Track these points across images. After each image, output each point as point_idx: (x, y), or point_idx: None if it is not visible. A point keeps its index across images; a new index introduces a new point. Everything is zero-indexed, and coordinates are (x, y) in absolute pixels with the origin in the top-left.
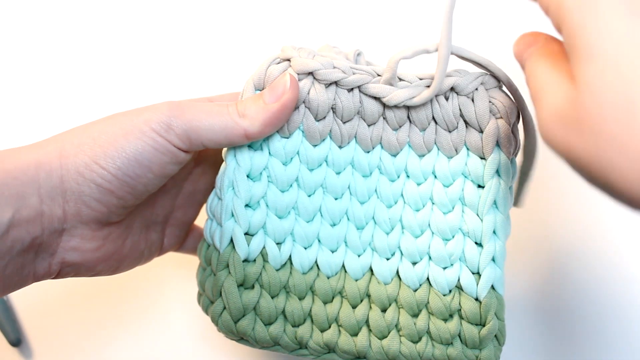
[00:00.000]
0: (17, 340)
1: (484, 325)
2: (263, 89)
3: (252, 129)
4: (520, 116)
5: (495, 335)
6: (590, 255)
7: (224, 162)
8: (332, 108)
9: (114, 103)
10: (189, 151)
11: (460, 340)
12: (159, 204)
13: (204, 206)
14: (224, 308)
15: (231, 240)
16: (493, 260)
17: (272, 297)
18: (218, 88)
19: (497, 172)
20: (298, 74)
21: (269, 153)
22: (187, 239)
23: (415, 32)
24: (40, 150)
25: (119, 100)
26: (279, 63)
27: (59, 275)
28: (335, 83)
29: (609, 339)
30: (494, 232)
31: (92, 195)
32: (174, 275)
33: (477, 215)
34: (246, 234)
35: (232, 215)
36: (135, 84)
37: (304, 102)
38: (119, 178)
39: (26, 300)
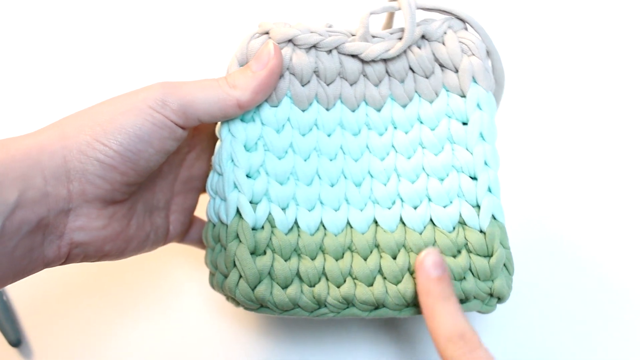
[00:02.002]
0: (17, 341)
1: (492, 256)
2: (247, 63)
3: (244, 98)
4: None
5: (505, 264)
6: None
7: (219, 140)
8: (315, 72)
9: (109, 95)
10: (185, 127)
11: (472, 274)
12: (158, 189)
13: (202, 197)
14: (240, 277)
15: (237, 210)
16: (489, 190)
17: (285, 260)
18: (203, 73)
19: (478, 105)
20: (278, 42)
21: (262, 123)
22: (190, 229)
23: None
24: (42, 135)
25: (114, 92)
26: (258, 37)
27: (68, 258)
28: (314, 46)
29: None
30: (486, 162)
31: (96, 173)
32: (175, 274)
33: (467, 149)
34: (251, 202)
35: (235, 186)
36: (132, 79)
37: (287, 69)
38: (121, 154)
39: (26, 301)
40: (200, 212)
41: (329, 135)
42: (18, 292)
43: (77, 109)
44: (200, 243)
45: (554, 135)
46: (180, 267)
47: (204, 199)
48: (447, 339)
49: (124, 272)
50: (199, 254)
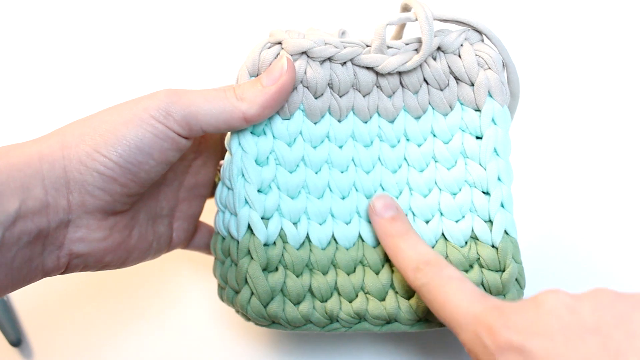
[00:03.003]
0: (17, 341)
1: (504, 271)
2: (258, 74)
3: (250, 112)
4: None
5: (516, 279)
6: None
7: (227, 153)
8: (329, 84)
9: (107, 99)
10: (188, 137)
11: (484, 288)
12: (163, 196)
13: (208, 202)
14: (252, 294)
15: (248, 226)
16: (502, 205)
17: (297, 276)
18: (209, 80)
19: (493, 120)
20: (292, 54)
21: (273, 136)
22: (195, 235)
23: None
24: (43, 143)
25: (112, 96)
26: (270, 47)
27: (68, 268)
28: (329, 59)
29: None
30: (499, 178)
31: (96, 184)
32: (175, 274)
33: (480, 164)
34: (262, 218)
35: (247, 202)
36: (134, 82)
37: (301, 82)
38: (121, 165)
39: (26, 300)
40: (206, 217)
41: (340, 147)
42: (18, 292)
43: (80, 114)
44: (205, 249)
45: (567, 146)
46: (183, 268)
47: (209, 204)
48: (414, 269)
49: (125, 272)
50: (203, 257)
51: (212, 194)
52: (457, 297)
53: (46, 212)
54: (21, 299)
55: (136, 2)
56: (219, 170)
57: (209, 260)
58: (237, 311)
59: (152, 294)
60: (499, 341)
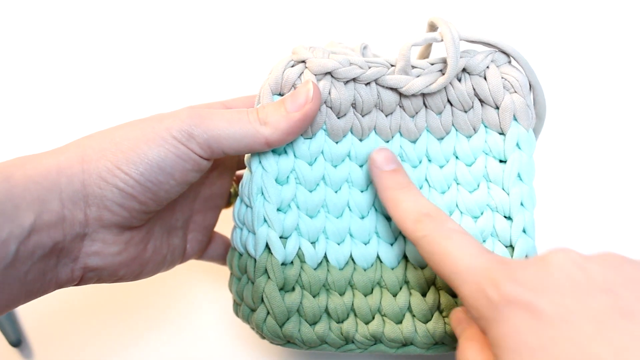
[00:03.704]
0: (17, 341)
1: None
2: (280, 93)
3: (273, 138)
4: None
5: None
6: None
7: (247, 169)
8: (352, 104)
9: (125, 107)
10: (209, 159)
11: None
12: (178, 208)
13: (223, 212)
14: (268, 314)
15: (266, 245)
16: (524, 231)
17: (314, 297)
18: (227, 90)
19: (518, 145)
20: (315, 74)
21: (294, 155)
22: (209, 245)
23: (414, 23)
24: (61, 155)
25: (130, 105)
26: (293, 66)
27: (81, 281)
28: (354, 79)
29: None
30: (522, 204)
31: (115, 200)
32: (175, 275)
33: (503, 189)
34: (280, 237)
35: (265, 221)
36: (145, 90)
37: (325, 102)
38: (141, 184)
39: None
40: (220, 228)
41: (361, 166)
42: None
43: (94, 122)
44: (219, 259)
45: (589, 166)
46: (185, 273)
47: (223, 214)
48: (414, 221)
49: None
50: (210, 267)
51: (227, 204)
52: (459, 250)
53: (62, 225)
54: None
55: (150, 13)
56: (235, 181)
57: (216, 270)
58: (253, 328)
59: (153, 294)
60: (504, 294)
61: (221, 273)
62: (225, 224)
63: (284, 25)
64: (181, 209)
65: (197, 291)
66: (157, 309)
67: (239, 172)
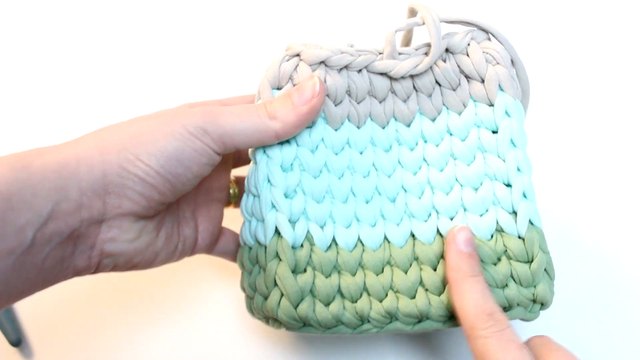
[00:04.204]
0: (17, 341)
1: (532, 261)
2: (279, 87)
3: (282, 131)
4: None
5: (545, 269)
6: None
7: (252, 162)
8: (347, 91)
9: (123, 105)
10: (222, 154)
11: (514, 280)
12: (183, 200)
13: (229, 211)
14: (281, 296)
15: (275, 230)
16: (525, 196)
17: (326, 277)
18: (221, 89)
19: (507, 112)
20: (310, 65)
21: (297, 144)
22: (219, 240)
23: (394, 16)
24: (79, 146)
25: (128, 102)
26: (289, 60)
27: (98, 268)
28: (346, 67)
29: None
30: (518, 169)
31: (135, 189)
32: (175, 273)
33: (499, 157)
34: (289, 221)
35: (273, 206)
36: (142, 88)
37: None
38: (161, 175)
39: (26, 300)
40: (227, 224)
41: (361, 153)
42: None
43: (97, 115)
44: (229, 255)
45: (577, 142)
46: (181, 265)
47: (229, 211)
48: (476, 316)
49: (124, 273)
50: (213, 261)
51: (227, 202)
52: None
53: (80, 213)
54: None
55: (149, 12)
56: (234, 182)
57: (225, 265)
58: (267, 320)
59: (154, 294)
60: None
61: (230, 269)
62: (230, 221)
63: (276, 28)
64: (186, 201)
65: (199, 293)
66: (159, 310)
67: (238, 174)
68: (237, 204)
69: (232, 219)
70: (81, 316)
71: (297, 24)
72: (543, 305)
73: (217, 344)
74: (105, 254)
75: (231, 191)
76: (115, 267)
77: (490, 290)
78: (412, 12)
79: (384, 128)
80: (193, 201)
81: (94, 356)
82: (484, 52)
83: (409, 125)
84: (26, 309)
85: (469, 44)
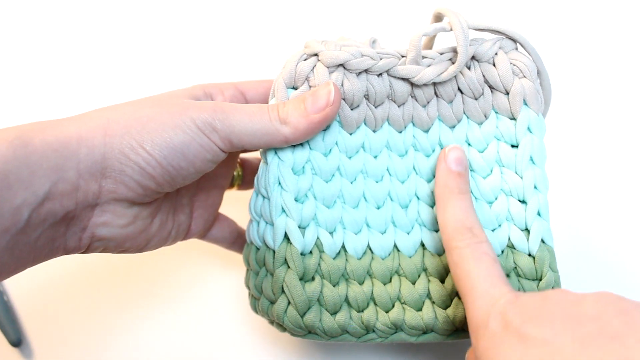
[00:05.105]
0: (17, 341)
1: (541, 279)
2: (294, 86)
3: (292, 137)
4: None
5: (553, 287)
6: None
7: (262, 162)
8: (365, 96)
9: (139, 85)
10: (228, 152)
11: None
12: (184, 186)
13: (227, 195)
14: (289, 304)
15: (285, 235)
16: (539, 214)
17: (334, 286)
18: (238, 75)
19: (529, 129)
20: (328, 67)
21: (310, 147)
22: (213, 226)
23: (418, 17)
24: (83, 125)
25: (136, 90)
26: (306, 59)
27: (88, 249)
28: (366, 71)
29: None
30: (535, 187)
31: (133, 177)
32: (176, 274)
33: (516, 173)
34: (299, 227)
35: (284, 211)
36: (157, 71)
37: None
38: (163, 166)
39: (26, 301)
40: (224, 210)
41: (375, 157)
42: (18, 292)
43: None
44: (222, 242)
45: (596, 152)
46: (181, 266)
47: (228, 198)
48: (455, 229)
49: (127, 272)
50: (210, 249)
51: (230, 185)
52: (482, 274)
53: (75, 195)
54: (21, 299)
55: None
56: (239, 164)
57: (217, 252)
58: (272, 322)
59: (154, 294)
60: (504, 324)
61: (229, 257)
62: (229, 206)
63: (294, 16)
64: (186, 187)
65: (199, 289)
66: (159, 308)
67: (242, 156)
68: (240, 186)
69: (230, 201)
70: (81, 316)
71: (321, 13)
72: None
73: (220, 337)
74: (97, 237)
75: (235, 173)
76: (106, 250)
77: (473, 208)
78: (438, 18)
79: (400, 132)
80: (194, 186)
81: (93, 356)
82: (511, 64)
83: (427, 132)
84: (26, 309)
85: (496, 54)
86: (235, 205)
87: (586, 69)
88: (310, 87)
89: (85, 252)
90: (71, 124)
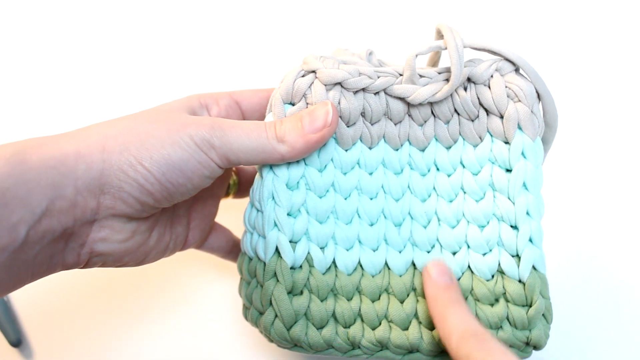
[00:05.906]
0: (17, 341)
1: (530, 306)
2: (291, 102)
3: (289, 155)
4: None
5: (543, 314)
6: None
7: (257, 175)
8: (361, 113)
9: (135, 96)
10: (225, 168)
11: (509, 323)
12: None
13: (223, 204)
14: (276, 316)
15: (276, 249)
16: (531, 241)
17: (322, 301)
18: (233, 84)
19: (523, 154)
20: (325, 85)
21: (305, 163)
22: (210, 235)
23: (419, 28)
24: (81, 141)
25: (138, 94)
26: (304, 76)
27: (87, 264)
28: (363, 89)
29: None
30: (527, 213)
31: (132, 193)
32: (175, 275)
33: (509, 198)
34: (290, 241)
35: (276, 225)
36: (152, 81)
37: None
38: (161, 183)
39: (26, 301)
40: (221, 219)
41: (370, 174)
42: (18, 292)
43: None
44: (218, 251)
45: (604, 177)
46: (181, 267)
47: (224, 207)
48: (460, 338)
49: (127, 272)
50: (209, 258)
51: (226, 194)
52: None
53: (73, 211)
54: (21, 299)
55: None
56: (235, 172)
57: (215, 261)
58: (261, 332)
59: (154, 294)
60: None
61: (224, 264)
62: (226, 217)
63: (291, 25)
64: None
65: (200, 293)
66: (159, 310)
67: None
68: (235, 194)
69: (226, 209)
70: (81, 316)
71: (318, 22)
72: (536, 347)
73: (215, 345)
74: (95, 253)
75: (230, 182)
76: (105, 264)
77: (472, 313)
78: (439, 33)
79: (396, 150)
80: (190, 196)
81: (93, 356)
82: (506, 87)
83: (423, 151)
84: (26, 309)
85: (492, 76)
86: (231, 213)
87: (594, 92)
88: (307, 104)
89: (84, 267)
90: (69, 140)
